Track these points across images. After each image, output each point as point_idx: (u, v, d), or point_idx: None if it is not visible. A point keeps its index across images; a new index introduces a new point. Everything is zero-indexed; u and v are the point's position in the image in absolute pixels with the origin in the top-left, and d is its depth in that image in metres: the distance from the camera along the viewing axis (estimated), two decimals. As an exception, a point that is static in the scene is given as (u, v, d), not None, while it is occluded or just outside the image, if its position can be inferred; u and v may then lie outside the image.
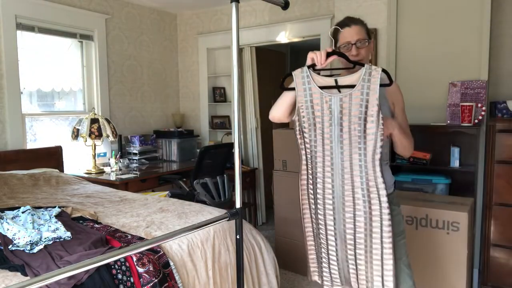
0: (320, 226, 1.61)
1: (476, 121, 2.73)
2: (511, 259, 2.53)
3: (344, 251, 1.57)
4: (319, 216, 1.60)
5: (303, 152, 1.60)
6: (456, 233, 2.18)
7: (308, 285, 2.92)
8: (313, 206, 1.62)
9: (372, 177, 1.47)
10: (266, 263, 2.26)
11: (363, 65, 1.47)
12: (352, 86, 1.46)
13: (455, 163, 2.77)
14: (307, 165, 1.60)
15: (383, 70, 1.45)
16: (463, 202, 2.35)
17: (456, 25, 2.88)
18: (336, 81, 1.50)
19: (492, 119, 2.64)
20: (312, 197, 1.61)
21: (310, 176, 1.60)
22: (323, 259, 1.66)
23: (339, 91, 1.49)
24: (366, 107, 1.44)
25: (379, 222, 1.48)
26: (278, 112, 1.67)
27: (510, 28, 2.84)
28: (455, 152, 2.78)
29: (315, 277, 1.73)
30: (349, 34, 1.64)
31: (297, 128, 1.59)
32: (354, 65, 1.55)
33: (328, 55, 1.52)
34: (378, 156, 1.45)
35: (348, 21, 1.66)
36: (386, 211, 1.47)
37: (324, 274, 1.68)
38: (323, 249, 1.65)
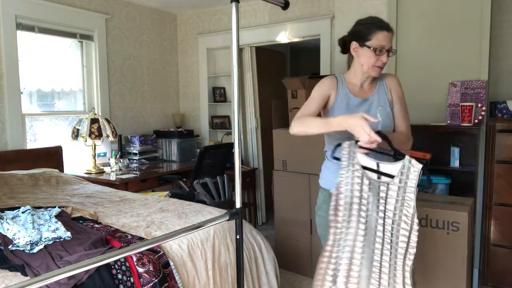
0: None
1: (476, 121, 2.73)
2: (511, 259, 2.52)
3: None
4: None
5: (332, 231, 1.47)
6: (456, 233, 2.17)
7: (308, 285, 2.92)
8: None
9: (400, 280, 1.37)
10: (266, 263, 2.26)
11: (403, 155, 1.38)
12: (392, 176, 1.38)
13: (455, 163, 2.77)
14: (333, 246, 1.47)
15: (423, 168, 1.36)
16: (463, 202, 2.34)
17: (456, 25, 2.88)
18: (378, 165, 1.41)
19: (492, 119, 2.64)
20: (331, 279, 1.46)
21: (334, 260, 1.48)
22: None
23: (378, 177, 1.41)
24: (402, 204, 1.36)
25: None
26: (303, 132, 1.56)
27: (510, 28, 2.84)
28: (455, 152, 2.78)
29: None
30: (386, 39, 1.56)
31: (333, 204, 1.46)
32: (394, 153, 1.43)
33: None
34: (410, 262, 1.34)
35: (386, 25, 1.58)
36: None
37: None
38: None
